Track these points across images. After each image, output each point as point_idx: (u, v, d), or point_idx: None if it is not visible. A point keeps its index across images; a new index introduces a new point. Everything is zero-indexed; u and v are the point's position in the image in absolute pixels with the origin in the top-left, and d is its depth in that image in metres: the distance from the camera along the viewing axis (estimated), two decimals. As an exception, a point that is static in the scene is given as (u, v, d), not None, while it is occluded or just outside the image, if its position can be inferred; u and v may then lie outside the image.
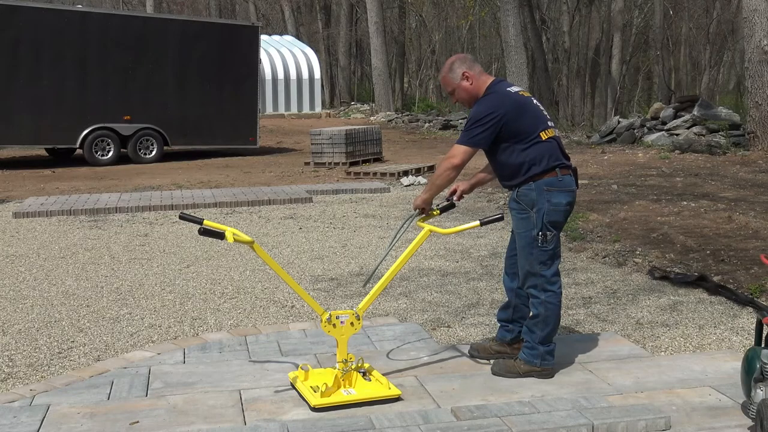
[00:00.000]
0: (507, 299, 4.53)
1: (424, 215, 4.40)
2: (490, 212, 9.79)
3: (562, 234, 8.40)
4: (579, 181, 4.45)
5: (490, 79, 4.30)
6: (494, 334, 4.76)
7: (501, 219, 4.36)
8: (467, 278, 6.71)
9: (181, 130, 17.66)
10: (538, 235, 4.17)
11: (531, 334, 4.31)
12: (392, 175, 13.81)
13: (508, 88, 4.26)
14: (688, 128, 16.69)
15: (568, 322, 5.52)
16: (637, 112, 22.55)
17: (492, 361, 4.41)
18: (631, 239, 7.86)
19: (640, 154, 15.36)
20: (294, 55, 32.24)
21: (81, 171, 15.93)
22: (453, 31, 38.34)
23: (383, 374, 4.19)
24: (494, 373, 4.31)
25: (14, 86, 15.97)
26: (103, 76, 16.73)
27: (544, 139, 4.20)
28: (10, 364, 4.91)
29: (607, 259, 7.36)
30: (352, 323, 4.10)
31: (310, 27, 43.52)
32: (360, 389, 4.03)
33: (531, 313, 4.30)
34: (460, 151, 4.15)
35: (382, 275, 4.30)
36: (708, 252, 7.17)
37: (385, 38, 32.61)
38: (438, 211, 4.46)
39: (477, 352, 4.57)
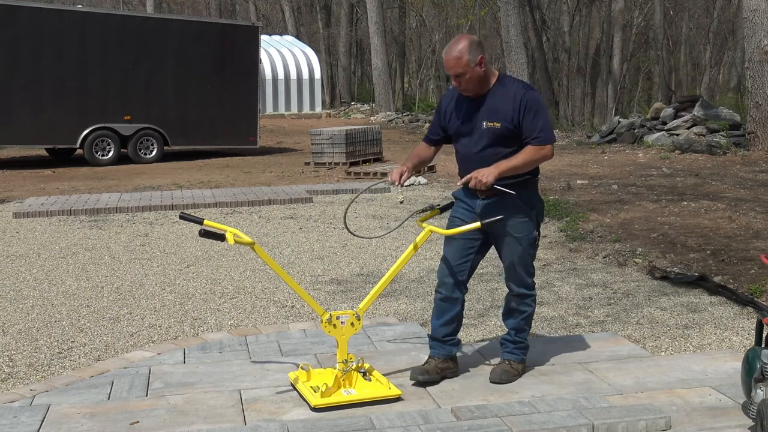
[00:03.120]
0: (450, 313, 4.28)
1: (425, 214, 4.39)
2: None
3: (561, 234, 8.45)
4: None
5: (494, 69, 4.21)
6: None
7: (503, 220, 4.29)
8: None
9: (181, 130, 17.65)
10: (537, 235, 4.23)
11: (522, 333, 4.33)
12: (392, 175, 13.79)
13: None
14: (688, 128, 16.69)
15: (569, 323, 5.52)
16: (637, 112, 22.55)
17: (491, 373, 4.29)
18: (632, 239, 7.86)
19: (640, 154, 15.36)
20: (294, 55, 32.22)
21: (81, 171, 15.93)
22: (453, 31, 38.30)
23: (383, 374, 4.19)
24: (496, 383, 4.22)
25: (14, 86, 15.97)
26: (103, 76, 16.72)
27: None
28: (11, 364, 4.92)
29: (607, 259, 7.36)
30: (352, 323, 4.10)
31: (310, 27, 43.50)
32: (360, 389, 4.03)
33: (523, 314, 4.30)
34: (550, 147, 4.09)
35: (383, 274, 4.30)
36: (708, 252, 7.17)
37: (385, 38, 32.59)
38: (438, 211, 4.45)
39: (427, 375, 4.21)
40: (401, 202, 4.31)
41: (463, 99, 4.17)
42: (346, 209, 4.40)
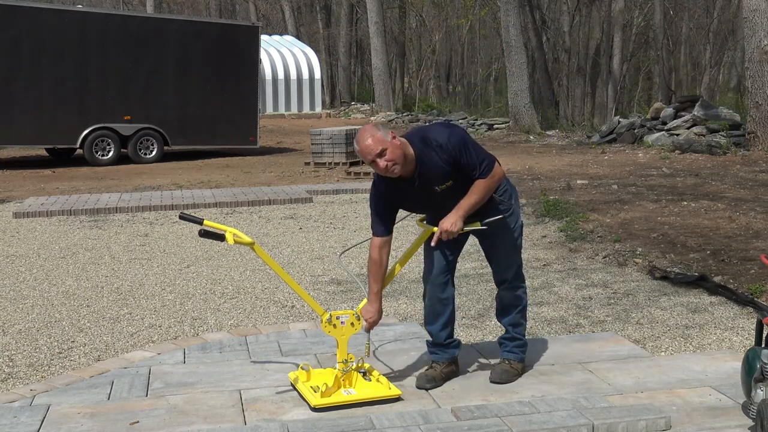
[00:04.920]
0: (446, 314, 4.21)
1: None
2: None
3: (561, 234, 8.44)
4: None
5: (403, 138, 3.97)
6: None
7: (504, 220, 4.27)
8: (466, 279, 6.71)
9: (181, 130, 17.64)
10: (522, 222, 4.28)
11: (519, 327, 4.33)
12: (392, 175, 13.77)
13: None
14: (688, 128, 16.69)
15: (569, 323, 5.52)
16: (637, 112, 22.54)
17: (491, 373, 4.28)
18: (632, 239, 7.86)
19: (640, 154, 15.36)
20: (294, 55, 32.22)
21: (81, 171, 15.94)
22: (453, 31, 38.34)
23: (383, 374, 4.19)
24: (496, 383, 4.21)
25: (14, 86, 15.97)
26: (103, 76, 16.71)
27: None
28: (11, 364, 4.92)
29: (607, 259, 7.36)
30: (352, 323, 4.10)
31: (310, 27, 43.50)
32: (360, 389, 4.03)
33: (517, 307, 4.30)
34: (498, 168, 4.00)
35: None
36: (708, 252, 7.17)
37: (385, 38, 32.59)
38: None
39: (434, 382, 4.18)
40: (368, 355, 4.27)
41: (400, 182, 3.97)
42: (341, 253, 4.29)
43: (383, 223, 4.10)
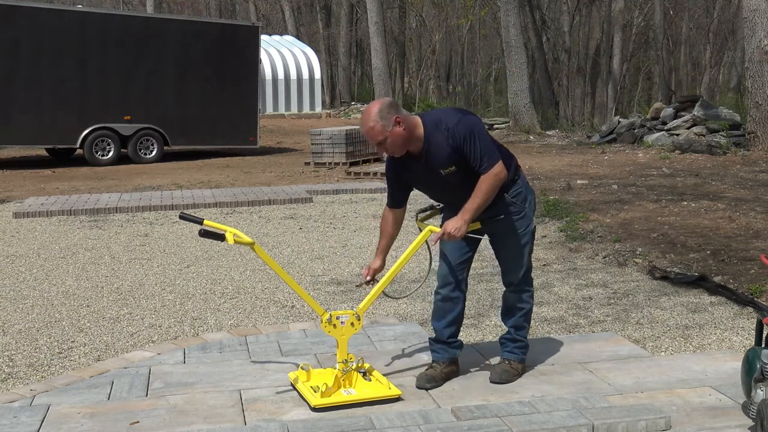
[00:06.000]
0: (453, 313, 4.23)
1: (426, 213, 4.38)
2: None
3: (561, 234, 8.44)
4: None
5: (415, 117, 4.04)
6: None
7: (504, 219, 4.27)
8: (467, 278, 6.71)
9: (181, 130, 17.65)
10: (534, 227, 4.25)
11: (522, 330, 4.33)
12: (392, 175, 13.76)
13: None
14: (688, 128, 16.69)
15: (569, 323, 5.53)
16: (637, 112, 22.55)
17: (491, 373, 4.28)
18: (632, 239, 7.86)
19: (640, 154, 15.36)
20: (294, 55, 32.21)
21: (81, 171, 15.94)
22: (453, 31, 38.33)
23: (383, 374, 4.19)
24: (496, 383, 4.21)
25: (14, 86, 15.97)
26: (103, 76, 16.72)
27: None
28: (11, 364, 4.92)
29: (607, 259, 7.36)
30: (352, 323, 4.10)
31: (310, 27, 43.49)
32: (360, 389, 4.03)
33: (521, 310, 4.30)
34: (498, 168, 3.97)
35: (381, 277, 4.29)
36: (708, 252, 7.17)
37: (385, 38, 32.53)
38: (438, 211, 4.44)
39: (434, 382, 4.18)
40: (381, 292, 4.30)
41: (408, 161, 4.04)
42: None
43: (394, 196, 4.26)
